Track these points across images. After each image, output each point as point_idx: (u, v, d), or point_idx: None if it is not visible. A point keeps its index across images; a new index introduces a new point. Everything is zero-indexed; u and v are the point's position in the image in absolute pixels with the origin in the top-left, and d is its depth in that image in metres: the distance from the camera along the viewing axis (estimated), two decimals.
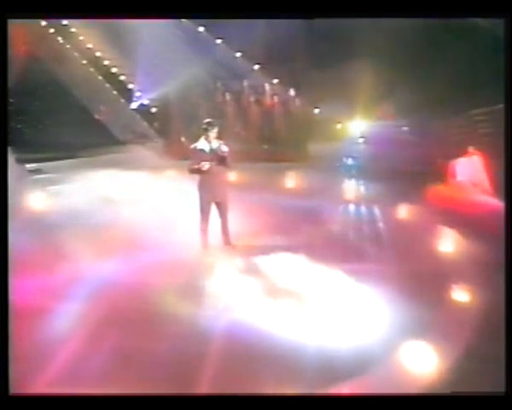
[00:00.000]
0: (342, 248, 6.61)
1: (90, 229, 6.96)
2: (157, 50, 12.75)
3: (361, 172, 10.98)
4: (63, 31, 15.12)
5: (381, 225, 7.95)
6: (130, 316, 4.77)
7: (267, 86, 13.39)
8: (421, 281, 5.41)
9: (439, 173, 9.29)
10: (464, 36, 9.26)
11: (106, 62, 15.23)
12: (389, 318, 4.67)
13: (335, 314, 4.79)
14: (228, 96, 13.77)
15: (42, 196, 8.93)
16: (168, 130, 14.38)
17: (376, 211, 8.64)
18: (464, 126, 10.70)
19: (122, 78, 15.12)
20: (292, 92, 13.07)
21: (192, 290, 5.23)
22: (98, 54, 15.20)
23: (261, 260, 5.97)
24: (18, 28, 12.68)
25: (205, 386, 3.79)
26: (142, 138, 14.41)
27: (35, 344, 4.28)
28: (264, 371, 3.90)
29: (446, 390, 3.63)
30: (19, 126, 13.29)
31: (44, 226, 7.13)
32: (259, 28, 11.75)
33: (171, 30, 12.59)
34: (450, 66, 9.43)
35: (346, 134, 12.40)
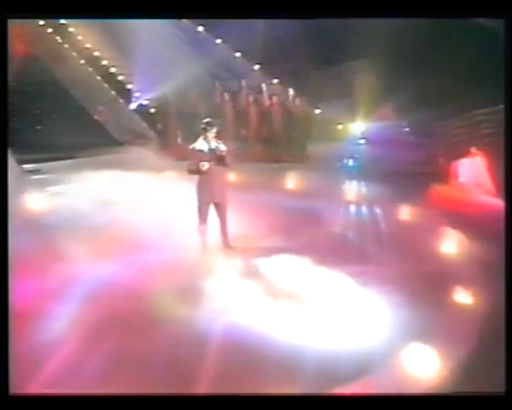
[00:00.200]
0: (343, 250, 6.58)
1: (88, 230, 6.93)
2: (156, 50, 12.73)
3: (362, 173, 10.94)
4: (61, 30, 15.09)
5: (382, 226, 7.91)
6: (129, 317, 4.75)
7: (267, 86, 13.36)
8: (422, 282, 5.39)
9: (442, 174, 9.27)
10: (467, 35, 9.22)
11: (104, 62, 15.21)
12: (390, 320, 4.65)
13: (336, 317, 4.77)
14: (227, 96, 13.74)
15: (40, 196, 8.89)
16: (167, 130, 14.36)
17: (377, 212, 8.60)
18: (467, 127, 10.66)
19: (121, 78, 15.10)
20: (293, 92, 13.04)
21: (190, 292, 5.21)
22: (96, 53, 15.17)
23: (261, 262, 5.95)
24: (15, 27, 12.64)
25: (203, 389, 3.76)
26: (140, 139, 14.37)
27: (33, 345, 4.25)
28: (263, 374, 3.87)
29: (446, 390, 3.63)
30: (17, 127, 13.24)
31: (42, 227, 7.12)
32: (259, 28, 11.72)
33: (170, 29, 12.57)
34: (452, 65, 9.39)
35: (347, 135, 12.37)
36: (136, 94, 14.57)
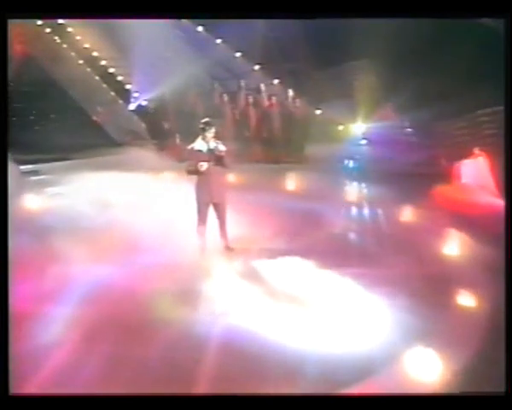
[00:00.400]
0: (344, 252, 6.53)
1: (86, 231, 6.92)
2: (155, 50, 12.69)
3: (363, 174, 10.89)
4: (60, 30, 15.04)
5: (383, 227, 7.86)
6: (127, 319, 4.73)
7: (267, 87, 13.32)
8: (424, 284, 5.37)
9: (444, 175, 9.23)
10: (469, 34, 9.18)
11: (103, 62, 15.15)
12: (392, 321, 4.63)
13: (337, 319, 4.75)
14: (226, 97, 13.70)
15: (38, 197, 8.87)
16: (166, 131, 14.31)
17: (379, 213, 8.55)
18: (469, 127, 10.59)
19: (120, 78, 15.04)
20: (293, 93, 13.00)
21: (189, 294, 5.19)
22: (95, 54, 15.11)
23: (260, 264, 5.94)
24: (13, 27, 12.58)
25: (201, 392, 3.73)
26: (140, 140, 14.33)
27: (32, 347, 4.26)
28: (262, 377, 3.85)
29: (447, 390, 3.63)
30: (14, 127, 13.17)
31: (41, 228, 7.10)
32: (259, 28, 11.69)
33: (169, 29, 12.52)
34: (454, 65, 9.33)
35: (348, 136, 12.32)
36: (136, 94, 14.51)
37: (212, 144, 6.21)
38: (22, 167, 10.57)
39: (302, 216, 7.87)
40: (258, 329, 4.55)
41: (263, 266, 5.88)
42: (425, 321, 4.49)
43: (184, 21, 13.06)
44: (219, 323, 4.65)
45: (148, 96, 14.33)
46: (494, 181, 8.59)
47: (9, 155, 4.31)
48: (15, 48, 13.35)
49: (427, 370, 3.91)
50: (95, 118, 15.08)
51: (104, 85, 15.21)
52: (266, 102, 13.24)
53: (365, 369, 3.90)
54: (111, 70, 15.14)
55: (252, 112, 13.35)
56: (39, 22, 14.76)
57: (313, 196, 8.93)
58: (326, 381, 3.79)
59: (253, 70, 13.31)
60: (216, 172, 6.22)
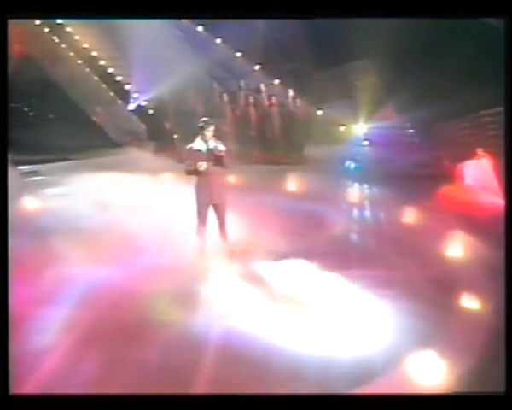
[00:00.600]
0: (345, 253, 6.51)
1: (85, 232, 6.91)
2: (155, 50, 12.65)
3: (365, 176, 10.87)
4: (58, 30, 15.01)
5: (385, 229, 7.82)
6: (126, 321, 4.72)
7: (268, 87, 13.29)
8: (426, 286, 5.36)
9: (447, 176, 9.21)
10: (472, 35, 9.16)
11: (102, 62, 15.12)
12: (394, 324, 4.63)
13: (338, 321, 4.74)
14: (226, 97, 13.67)
15: (37, 198, 8.85)
16: (166, 131, 14.28)
17: (381, 215, 8.53)
18: (472, 128, 10.56)
19: (119, 78, 15.01)
20: (293, 93, 12.97)
21: (188, 296, 5.18)
22: (94, 53, 15.08)
23: (260, 266, 5.92)
24: (12, 27, 12.55)
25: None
26: (139, 140, 14.30)
27: (31, 348, 4.25)
28: (261, 380, 3.83)
29: (447, 390, 3.63)
30: (13, 127, 13.14)
31: (39, 229, 7.10)
32: (259, 28, 11.66)
33: (169, 29, 12.51)
34: (457, 66, 9.30)
35: (350, 136, 12.29)
36: (135, 94, 14.48)
37: (212, 144, 6.17)
38: (20, 168, 10.55)
39: (303, 218, 7.82)
40: (257, 331, 4.53)
41: (263, 267, 5.86)
42: (427, 323, 4.48)
43: (184, 21, 13.05)
44: (218, 325, 4.63)
45: (147, 97, 14.28)
46: (498, 182, 8.56)
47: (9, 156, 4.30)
48: (14, 48, 13.32)
49: (429, 372, 3.89)
50: (94, 118, 15.04)
51: (103, 85, 15.17)
52: (266, 103, 13.20)
53: (367, 371, 3.90)
54: (110, 70, 15.10)
55: (252, 112, 13.31)
56: (38, 22, 14.73)
57: (314, 198, 8.90)
58: (327, 384, 3.77)
59: (253, 70, 13.28)
60: (216, 173, 6.18)
